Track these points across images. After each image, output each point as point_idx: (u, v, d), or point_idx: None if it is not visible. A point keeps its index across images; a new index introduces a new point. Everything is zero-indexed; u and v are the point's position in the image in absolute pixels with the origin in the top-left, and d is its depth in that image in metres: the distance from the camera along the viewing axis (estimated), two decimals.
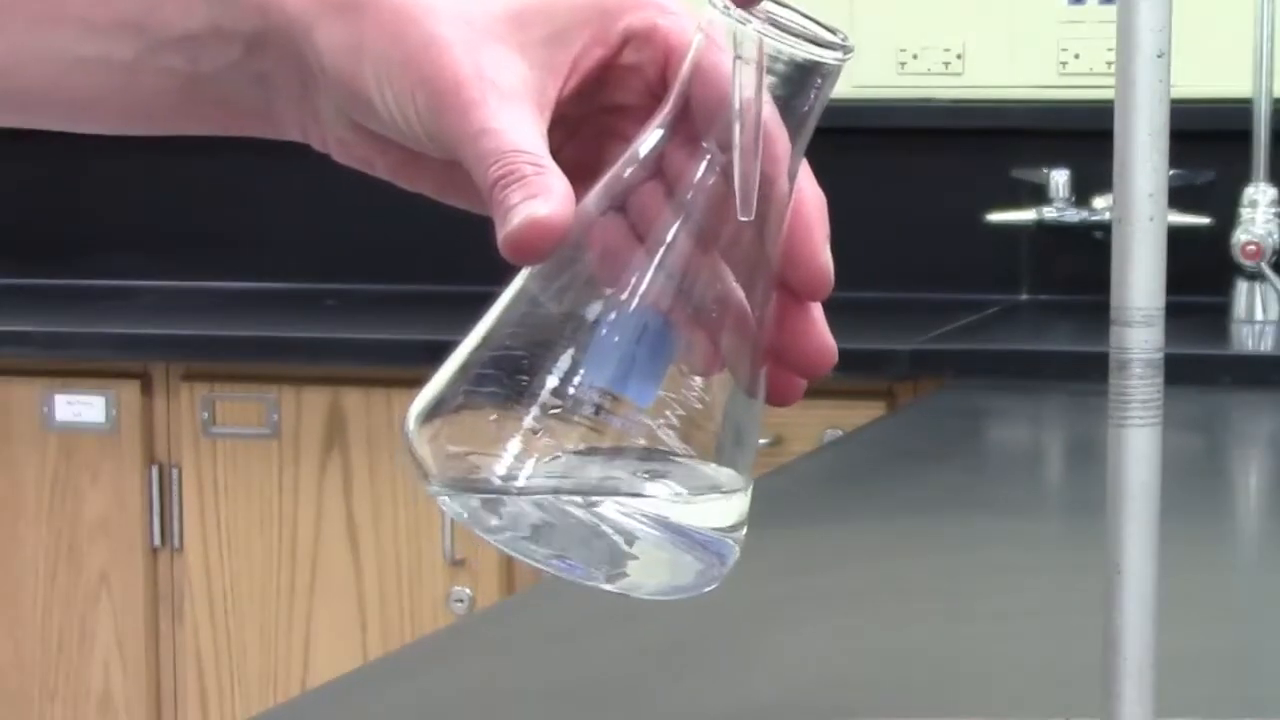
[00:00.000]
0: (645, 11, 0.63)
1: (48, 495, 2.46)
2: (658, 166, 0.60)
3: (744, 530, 0.60)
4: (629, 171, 0.60)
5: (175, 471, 2.44)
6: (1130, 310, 0.61)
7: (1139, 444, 0.61)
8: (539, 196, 0.59)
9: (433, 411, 0.60)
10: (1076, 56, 2.72)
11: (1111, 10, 2.66)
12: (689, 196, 0.59)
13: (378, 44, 0.62)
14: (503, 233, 0.60)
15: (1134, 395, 0.61)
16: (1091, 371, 1.93)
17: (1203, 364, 2.12)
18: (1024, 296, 2.75)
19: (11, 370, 2.47)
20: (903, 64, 2.77)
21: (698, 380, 0.59)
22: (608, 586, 0.60)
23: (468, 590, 2.36)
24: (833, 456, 1.78)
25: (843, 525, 1.34)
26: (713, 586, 0.60)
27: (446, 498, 0.59)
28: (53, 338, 2.49)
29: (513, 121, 0.60)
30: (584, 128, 0.64)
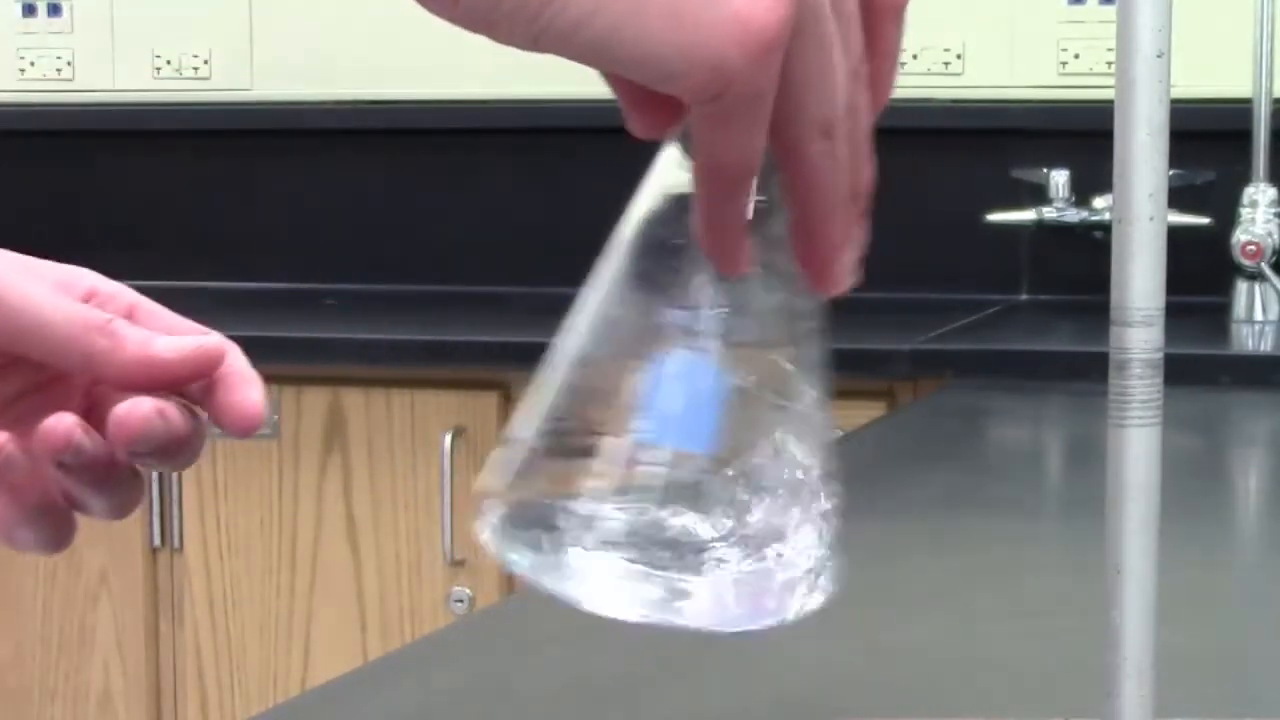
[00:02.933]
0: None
1: None
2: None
3: (822, 580, 0.61)
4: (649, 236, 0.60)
5: (175, 471, 2.43)
6: (1130, 310, 0.61)
7: (1139, 444, 0.61)
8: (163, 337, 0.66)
9: (507, 491, 0.59)
10: (1076, 56, 2.72)
11: (1111, 10, 2.67)
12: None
13: None
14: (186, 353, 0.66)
15: (1134, 395, 0.61)
16: (1091, 371, 1.93)
17: (1203, 364, 2.12)
18: (1024, 296, 2.76)
19: None
20: (902, 64, 2.76)
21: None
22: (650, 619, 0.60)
23: (468, 590, 2.36)
24: (833, 457, 1.78)
25: (843, 525, 1.34)
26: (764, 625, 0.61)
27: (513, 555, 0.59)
28: None
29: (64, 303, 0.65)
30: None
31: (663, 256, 0.58)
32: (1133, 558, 0.62)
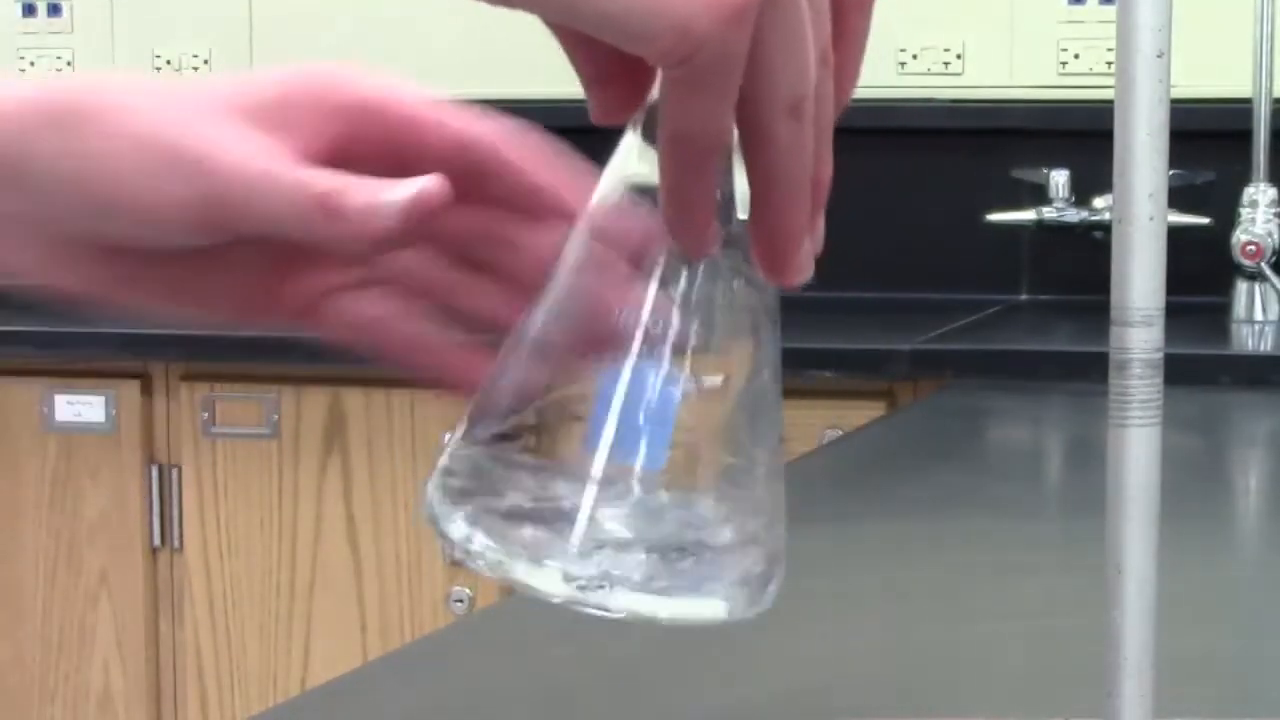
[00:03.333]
0: (349, 88, 0.62)
1: (48, 495, 2.46)
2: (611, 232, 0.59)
3: (772, 588, 0.61)
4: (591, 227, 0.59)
5: (175, 471, 2.44)
6: (1130, 310, 0.61)
7: (1139, 444, 0.61)
8: (393, 186, 0.58)
9: (451, 498, 0.59)
10: (1076, 56, 2.72)
11: (1111, 10, 2.66)
12: (658, 259, 0.58)
13: (111, 142, 0.60)
14: (386, 214, 0.58)
15: (1134, 395, 0.61)
16: (1091, 371, 1.93)
17: (1203, 364, 2.12)
18: (1024, 296, 2.76)
19: (11, 370, 2.47)
20: (902, 64, 2.77)
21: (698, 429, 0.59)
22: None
23: (468, 590, 2.36)
24: (833, 456, 1.78)
25: (843, 525, 1.34)
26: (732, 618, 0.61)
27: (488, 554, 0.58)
28: (53, 338, 2.49)
29: (292, 167, 0.59)
30: None
31: (622, 248, 0.58)
32: (1133, 558, 0.62)
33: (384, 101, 0.62)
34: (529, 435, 0.58)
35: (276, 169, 0.59)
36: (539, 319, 0.58)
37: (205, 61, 3.02)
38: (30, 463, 2.47)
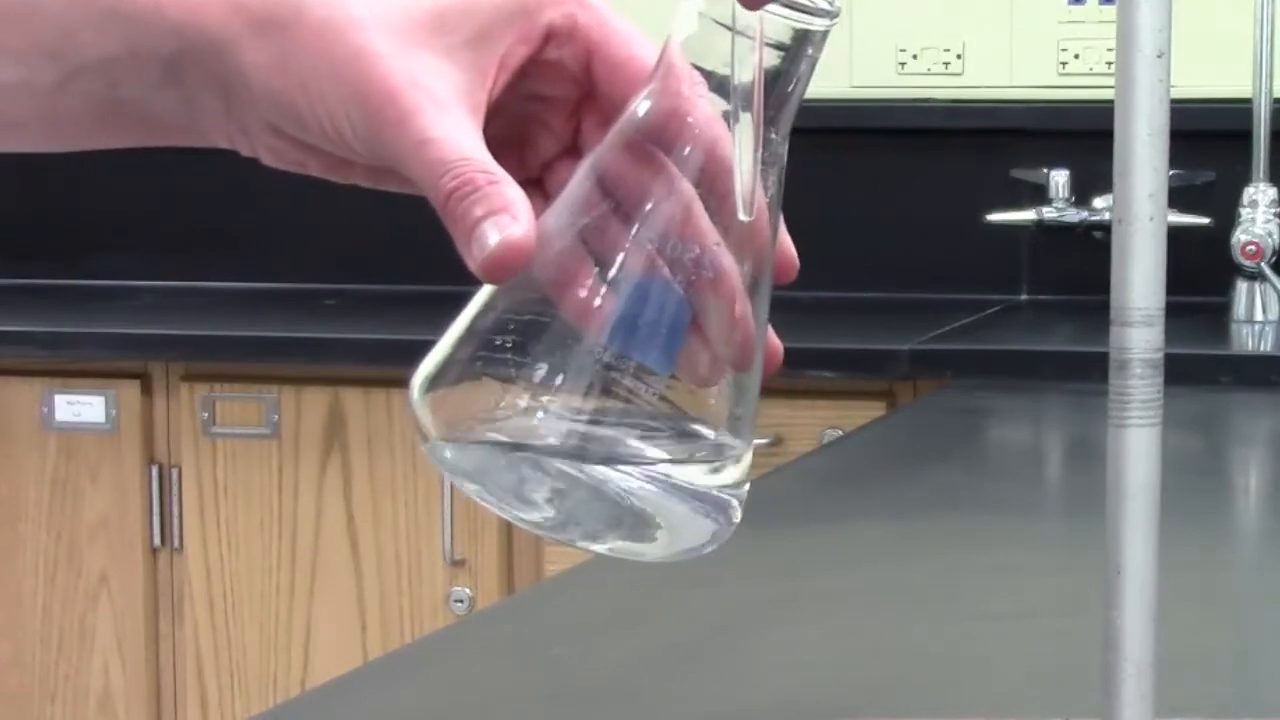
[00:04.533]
0: (565, 7, 0.63)
1: (48, 495, 2.46)
2: (649, 141, 0.60)
3: (746, 488, 0.61)
4: (621, 146, 0.60)
5: (175, 471, 2.44)
6: (1130, 310, 0.61)
7: (1139, 444, 0.61)
8: (504, 213, 0.60)
9: (438, 376, 0.60)
10: (1076, 56, 2.72)
11: (1111, 10, 2.67)
12: (688, 175, 0.59)
13: (306, 60, 0.62)
14: (479, 255, 0.60)
15: (1134, 395, 0.61)
16: (1091, 371, 1.93)
17: (1203, 364, 2.12)
18: (1024, 296, 2.76)
19: (11, 370, 2.47)
20: (902, 64, 2.77)
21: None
22: (609, 549, 0.60)
23: (468, 590, 2.36)
24: (833, 456, 1.78)
25: (843, 525, 1.34)
26: (717, 545, 0.61)
27: (448, 453, 0.59)
28: (53, 338, 2.49)
29: (452, 129, 0.61)
30: (505, 111, 0.65)
31: (642, 158, 0.58)
32: (1133, 558, 0.62)
33: (583, 30, 0.64)
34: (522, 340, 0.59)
35: (432, 143, 0.61)
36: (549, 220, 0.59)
37: None
38: (30, 463, 2.47)
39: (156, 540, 2.45)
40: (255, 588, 2.42)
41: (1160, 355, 0.61)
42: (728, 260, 0.59)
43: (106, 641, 2.47)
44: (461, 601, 2.36)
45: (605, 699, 0.90)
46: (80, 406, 2.45)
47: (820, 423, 2.18)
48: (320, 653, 2.40)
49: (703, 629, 0.99)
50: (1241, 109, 2.50)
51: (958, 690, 0.91)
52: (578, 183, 0.60)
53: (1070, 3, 2.73)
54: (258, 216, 3.01)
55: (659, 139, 0.59)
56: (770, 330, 0.61)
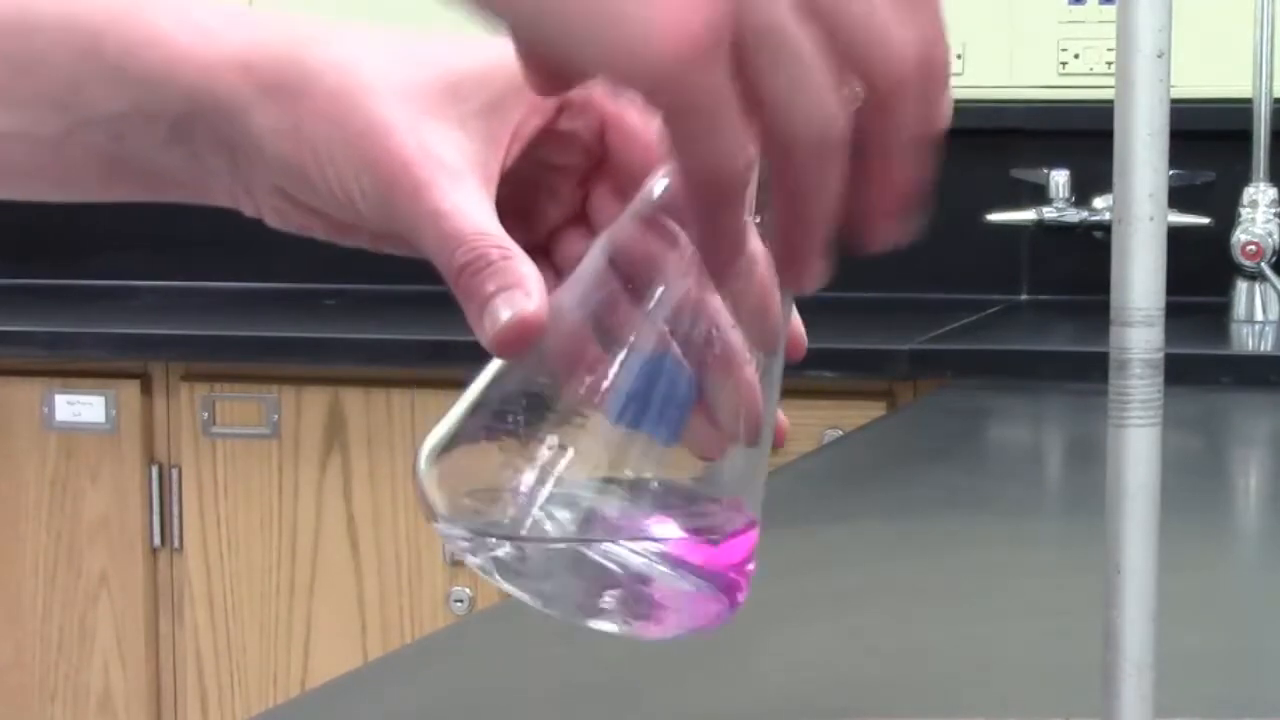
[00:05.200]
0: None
1: (48, 495, 2.46)
2: (666, 218, 0.59)
3: (753, 566, 0.60)
4: (637, 222, 0.60)
5: (175, 471, 2.44)
6: (1130, 310, 0.61)
7: (1139, 444, 0.61)
8: (517, 289, 0.59)
9: (443, 450, 0.59)
10: (1076, 56, 2.72)
11: (1111, 10, 2.67)
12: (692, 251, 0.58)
13: (318, 126, 0.61)
14: (491, 330, 0.60)
15: (1134, 395, 0.61)
16: (1091, 371, 1.93)
17: (1203, 364, 2.12)
18: (1024, 296, 2.76)
19: (11, 370, 2.47)
20: None
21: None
22: (613, 628, 0.60)
23: (468, 590, 2.36)
24: (833, 456, 1.78)
25: (843, 525, 1.34)
26: (719, 625, 0.60)
27: (461, 541, 0.59)
28: (53, 338, 2.49)
29: (465, 201, 0.60)
30: (515, 177, 0.64)
31: (658, 236, 0.58)
32: (1133, 558, 0.62)
33: (597, 103, 0.64)
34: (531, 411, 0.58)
35: (445, 215, 0.60)
36: (574, 302, 0.59)
37: None
38: (30, 463, 2.47)
39: (156, 540, 2.45)
40: (255, 587, 2.42)
41: (1160, 355, 0.61)
42: (738, 339, 0.59)
43: (106, 641, 2.47)
44: (461, 601, 2.36)
45: (605, 699, 0.90)
46: (80, 406, 2.45)
47: (820, 423, 2.18)
48: (320, 653, 2.40)
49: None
50: (1241, 109, 2.50)
51: (958, 690, 0.91)
52: (592, 259, 0.60)
53: (1070, 3, 2.73)
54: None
55: (676, 217, 0.59)
56: (779, 411, 0.61)
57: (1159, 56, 0.60)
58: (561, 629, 1.00)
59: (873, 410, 2.19)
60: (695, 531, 0.58)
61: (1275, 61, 2.50)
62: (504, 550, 0.58)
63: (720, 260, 0.55)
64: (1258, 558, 1.35)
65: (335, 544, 2.39)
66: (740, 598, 0.60)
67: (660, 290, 0.58)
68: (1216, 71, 2.58)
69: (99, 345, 2.47)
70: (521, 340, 0.59)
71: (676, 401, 0.58)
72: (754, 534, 0.60)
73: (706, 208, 0.54)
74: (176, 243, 3.03)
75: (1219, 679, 0.93)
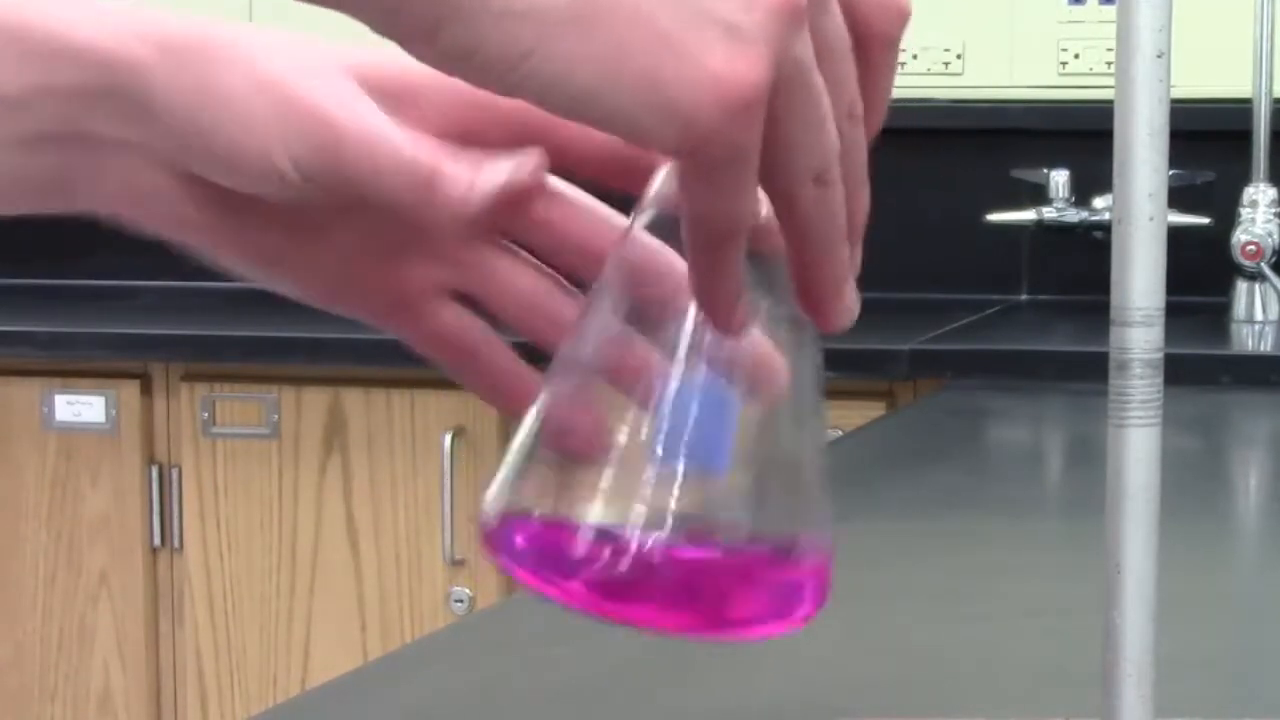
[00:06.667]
0: None
1: (48, 495, 2.46)
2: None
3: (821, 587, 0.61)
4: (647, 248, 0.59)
5: (175, 471, 2.44)
6: (1130, 310, 0.61)
7: (1139, 444, 0.61)
8: (503, 160, 0.58)
9: (509, 508, 0.59)
10: (1076, 56, 2.72)
11: (1111, 10, 2.67)
12: None
13: (233, 87, 0.59)
14: (487, 189, 0.58)
15: (1134, 395, 0.61)
16: (1091, 371, 1.93)
17: (1203, 364, 2.12)
18: (1024, 296, 2.76)
19: (11, 370, 2.47)
20: (902, 64, 2.76)
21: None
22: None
23: (468, 590, 2.36)
24: (833, 456, 1.78)
25: (843, 525, 1.34)
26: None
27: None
28: (53, 338, 2.49)
29: (407, 136, 0.59)
30: None
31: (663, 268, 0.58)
32: (1133, 558, 0.62)
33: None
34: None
35: (393, 134, 0.59)
36: (589, 341, 0.58)
37: None
38: (30, 463, 2.47)
39: (156, 540, 2.45)
40: (255, 588, 2.42)
41: (1160, 355, 0.61)
42: (762, 344, 0.58)
43: (106, 641, 2.47)
44: (461, 601, 2.36)
45: (605, 699, 0.90)
46: (80, 406, 2.45)
47: None
48: (320, 653, 2.40)
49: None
50: (1241, 109, 2.50)
51: (958, 690, 0.91)
52: (594, 309, 0.59)
53: (1070, 3, 2.73)
54: None
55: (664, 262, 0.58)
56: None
57: (1159, 56, 0.60)
58: (560, 629, 1.00)
59: (873, 410, 2.19)
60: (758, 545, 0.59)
61: (1275, 61, 2.50)
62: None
63: (724, 302, 0.55)
64: (1258, 558, 1.35)
65: (335, 544, 2.39)
66: (803, 609, 0.60)
67: (668, 322, 0.58)
68: (1216, 71, 2.58)
69: (99, 345, 2.47)
70: (525, 195, 0.58)
71: (718, 425, 0.58)
72: (820, 558, 0.60)
73: (710, 251, 0.54)
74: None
75: (1219, 679, 0.93)
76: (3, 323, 2.54)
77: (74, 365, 2.47)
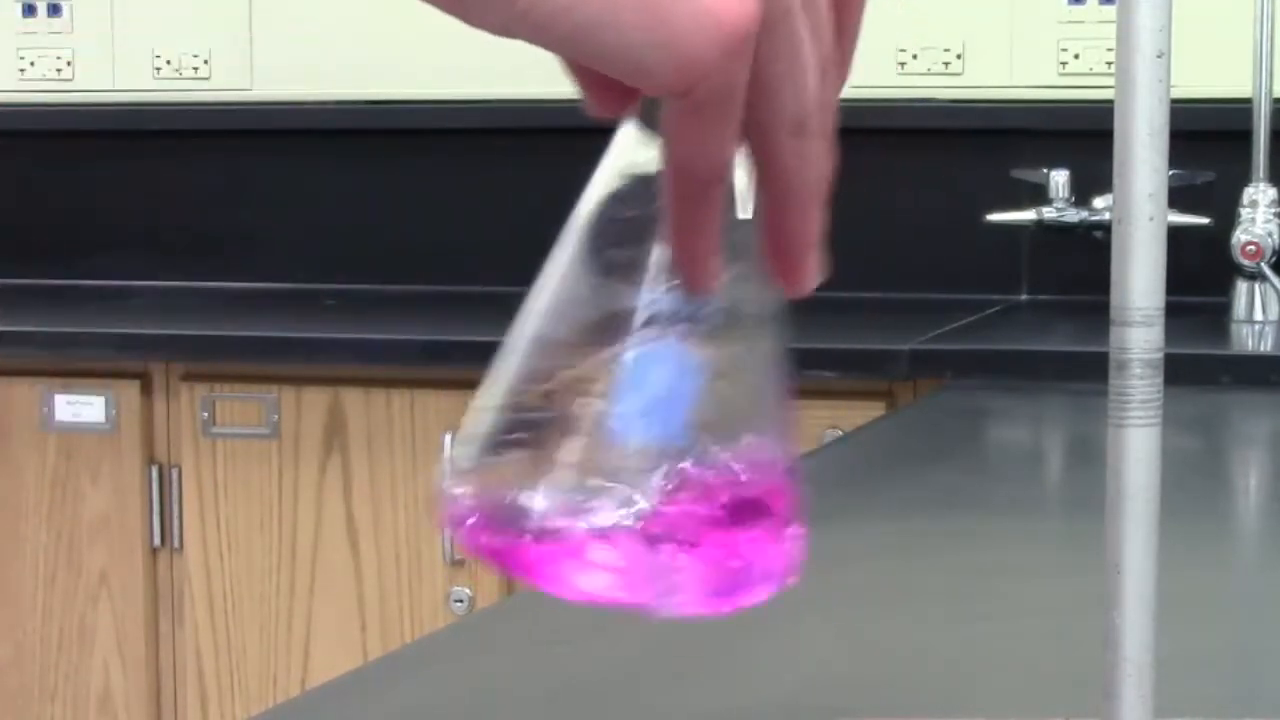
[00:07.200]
0: None
1: (48, 495, 2.46)
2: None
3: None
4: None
5: (175, 471, 2.44)
6: (1130, 310, 0.61)
7: (1139, 444, 0.61)
8: None
9: (467, 474, 0.59)
10: (1076, 56, 2.72)
11: (1111, 10, 2.67)
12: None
13: None
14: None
15: (1134, 395, 0.61)
16: (1091, 371, 1.93)
17: (1203, 364, 2.12)
18: (1024, 296, 2.76)
19: (11, 370, 2.47)
20: (902, 64, 2.77)
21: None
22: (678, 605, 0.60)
23: (468, 590, 2.36)
24: (833, 456, 1.78)
25: (843, 525, 1.34)
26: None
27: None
28: (53, 338, 2.49)
29: None
30: None
31: (624, 237, 0.58)
32: (1133, 558, 0.62)
33: None
34: (539, 424, 0.58)
35: None
36: (543, 310, 0.58)
37: (205, 61, 3.02)
38: (30, 463, 2.47)
39: (156, 540, 2.45)
40: (255, 588, 2.42)
41: (1160, 355, 0.61)
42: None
43: (106, 641, 2.47)
44: (461, 601, 2.36)
45: (605, 699, 0.90)
46: (80, 406, 2.45)
47: (820, 423, 2.18)
48: (320, 653, 2.40)
49: (703, 629, 0.99)
50: (1241, 109, 2.50)
51: (958, 690, 0.91)
52: (560, 271, 0.59)
53: (1070, 3, 2.73)
54: (257, 217, 3.01)
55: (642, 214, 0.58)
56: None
57: (1159, 56, 0.60)
58: (560, 629, 1.00)
59: (873, 410, 2.19)
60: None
61: (1275, 61, 2.50)
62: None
63: (700, 258, 0.55)
64: (1258, 558, 1.35)
65: (335, 544, 2.39)
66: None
67: (643, 281, 0.58)
68: (1216, 71, 2.58)
69: (99, 345, 2.48)
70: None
71: (670, 397, 0.58)
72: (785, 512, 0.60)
73: (693, 197, 0.54)
74: (176, 243, 3.03)
75: (1219, 679, 0.93)
76: (3, 323, 2.54)
77: (74, 365, 2.47)
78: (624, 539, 0.57)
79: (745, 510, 0.59)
